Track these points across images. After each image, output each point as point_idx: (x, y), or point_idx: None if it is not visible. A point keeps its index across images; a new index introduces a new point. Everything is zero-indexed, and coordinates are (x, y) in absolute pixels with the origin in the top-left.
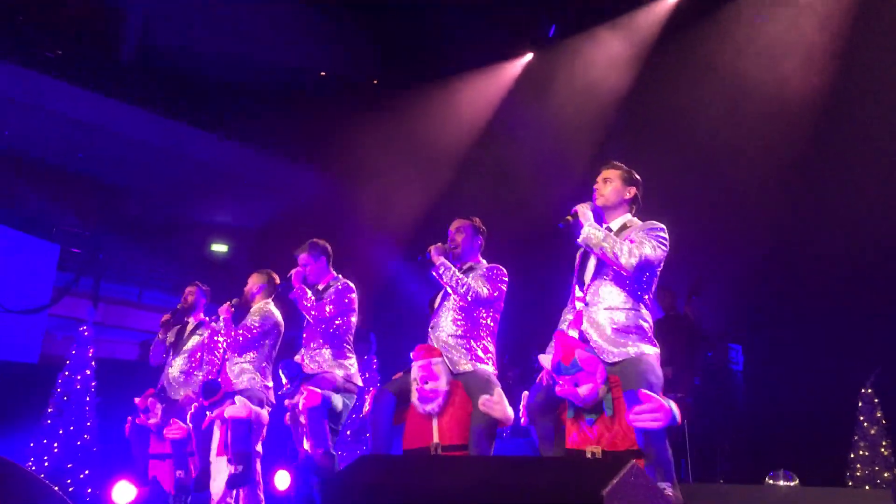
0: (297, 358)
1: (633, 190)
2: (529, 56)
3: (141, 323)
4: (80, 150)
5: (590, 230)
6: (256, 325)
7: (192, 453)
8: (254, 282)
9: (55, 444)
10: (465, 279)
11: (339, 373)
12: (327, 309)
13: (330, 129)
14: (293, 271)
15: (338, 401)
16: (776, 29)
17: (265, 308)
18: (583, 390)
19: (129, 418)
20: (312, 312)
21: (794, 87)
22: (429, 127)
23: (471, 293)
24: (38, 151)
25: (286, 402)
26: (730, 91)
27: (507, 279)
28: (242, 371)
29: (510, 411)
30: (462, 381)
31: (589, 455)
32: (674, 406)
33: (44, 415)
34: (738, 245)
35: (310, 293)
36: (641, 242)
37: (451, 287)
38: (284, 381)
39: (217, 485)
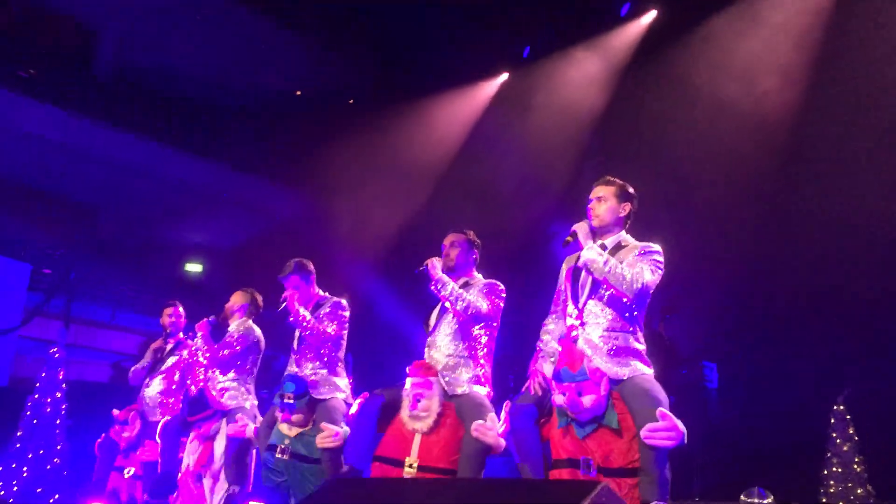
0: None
1: (628, 206)
2: (505, 76)
3: (113, 344)
4: (53, 168)
5: (591, 253)
6: (238, 341)
7: (139, 477)
8: (236, 300)
9: (24, 469)
10: (465, 294)
11: (341, 396)
12: (330, 329)
13: (306, 148)
14: (286, 296)
15: (346, 433)
16: (749, 48)
17: (247, 324)
18: (587, 400)
19: (103, 434)
20: (316, 331)
21: (767, 106)
22: (405, 146)
23: (471, 309)
24: (9, 170)
25: (279, 413)
26: (704, 110)
27: (505, 295)
28: (227, 389)
29: (502, 440)
30: (455, 404)
31: (583, 464)
32: (683, 426)
33: (13, 438)
34: (712, 265)
35: (308, 315)
36: (642, 269)
37: (451, 303)
38: (289, 396)
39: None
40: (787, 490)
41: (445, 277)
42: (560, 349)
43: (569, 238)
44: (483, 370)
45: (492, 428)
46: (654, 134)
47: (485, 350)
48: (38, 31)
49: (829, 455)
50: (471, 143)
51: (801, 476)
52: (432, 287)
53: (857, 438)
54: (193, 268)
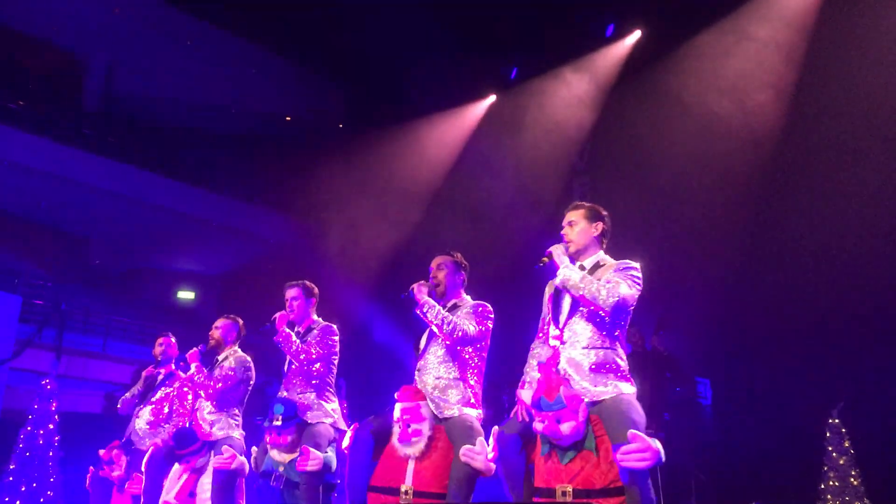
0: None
1: (600, 225)
2: (493, 98)
3: (105, 374)
4: (43, 199)
5: (566, 272)
6: (234, 373)
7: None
8: (226, 328)
9: (17, 503)
10: (451, 317)
11: (328, 421)
12: (314, 351)
13: (296, 173)
14: (278, 315)
15: (332, 460)
16: (734, 64)
17: (240, 355)
18: (565, 427)
19: (91, 469)
20: (301, 357)
21: (754, 121)
22: (395, 169)
23: (457, 331)
24: None
25: (268, 436)
26: (690, 126)
27: (493, 316)
28: (216, 420)
29: (492, 465)
30: (446, 427)
31: (559, 495)
32: (659, 445)
33: (5, 472)
34: (704, 280)
35: (294, 336)
36: (617, 282)
37: (437, 326)
38: (278, 419)
39: None
40: None
41: (431, 301)
42: (539, 377)
43: (544, 259)
44: (473, 391)
45: (480, 452)
46: (642, 151)
47: (475, 371)
48: (27, 62)
49: (825, 469)
50: (460, 164)
51: (798, 491)
52: (418, 311)
53: (853, 452)
54: (186, 295)
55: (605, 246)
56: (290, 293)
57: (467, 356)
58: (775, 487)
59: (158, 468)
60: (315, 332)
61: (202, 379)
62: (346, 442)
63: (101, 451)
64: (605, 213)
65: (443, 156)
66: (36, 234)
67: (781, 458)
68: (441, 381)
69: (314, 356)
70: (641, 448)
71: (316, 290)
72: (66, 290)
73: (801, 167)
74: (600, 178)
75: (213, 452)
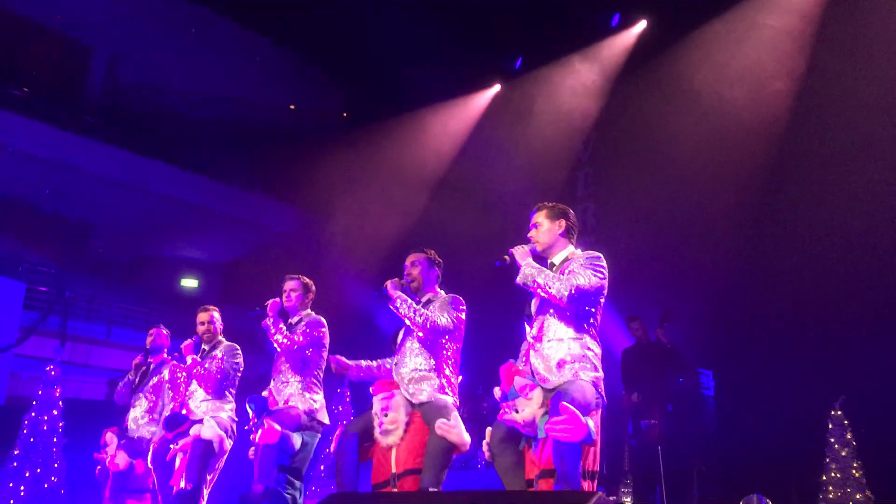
0: (265, 393)
1: (563, 222)
2: (497, 87)
3: (109, 361)
4: (47, 187)
5: (525, 269)
6: (230, 363)
7: (138, 490)
8: (216, 319)
9: (21, 488)
10: (422, 310)
11: (303, 407)
12: (297, 339)
13: (300, 162)
14: (270, 301)
15: (296, 440)
16: (741, 53)
17: (229, 346)
18: (521, 416)
19: (95, 454)
20: (284, 341)
21: (761, 113)
22: (398, 159)
23: (428, 322)
24: (2, 189)
25: (251, 437)
26: (696, 117)
27: (464, 308)
28: (206, 404)
29: (466, 437)
30: (421, 412)
31: (535, 485)
32: (592, 426)
33: (9, 457)
34: (708, 271)
35: (282, 325)
36: (576, 273)
37: (409, 319)
38: (251, 415)
39: None
40: (785, 496)
41: (403, 296)
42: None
43: (506, 257)
44: (448, 381)
45: (455, 426)
46: (647, 142)
47: (451, 362)
48: (31, 50)
49: (827, 460)
50: (464, 154)
51: (800, 482)
52: (391, 306)
53: (855, 444)
54: (189, 283)
55: (573, 240)
56: (290, 284)
57: (441, 347)
58: (777, 478)
59: (165, 461)
60: (304, 322)
61: (198, 370)
62: (332, 447)
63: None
64: (567, 210)
65: (447, 145)
66: (40, 221)
67: (783, 450)
68: (417, 373)
69: (296, 345)
70: (568, 419)
71: (314, 286)
72: (70, 277)
73: (808, 159)
74: (604, 170)
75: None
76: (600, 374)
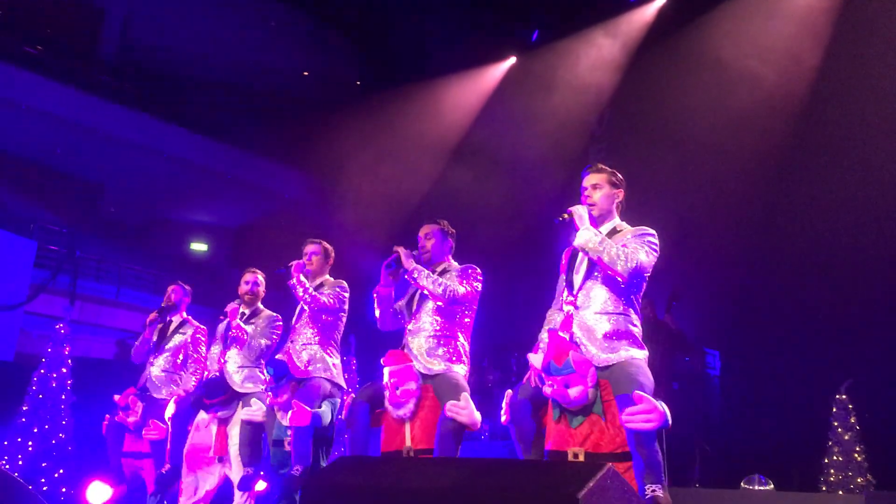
0: (281, 356)
1: (621, 193)
2: (513, 60)
3: (118, 321)
4: (59, 146)
5: (586, 234)
6: (271, 335)
7: (149, 455)
8: (259, 283)
9: (29, 443)
10: (442, 280)
11: (324, 375)
12: (323, 300)
13: (312, 129)
14: (294, 262)
15: (326, 414)
16: (760, 29)
17: (272, 316)
18: (573, 392)
19: (107, 416)
20: (310, 303)
21: (777, 91)
22: (412, 129)
23: (448, 292)
24: (15, 147)
25: (269, 400)
26: (710, 95)
27: (481, 277)
28: (245, 374)
29: (477, 416)
30: (433, 385)
31: (571, 457)
32: (666, 409)
33: (18, 413)
34: (717, 252)
35: (308, 284)
36: (636, 248)
37: (429, 290)
38: (268, 378)
39: (206, 486)
40: (787, 477)
41: (419, 266)
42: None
43: (565, 215)
44: (462, 349)
45: (465, 407)
46: (661, 118)
47: (464, 330)
48: (46, 8)
49: (829, 444)
50: (477, 126)
51: (802, 464)
52: (408, 277)
53: (858, 428)
54: (199, 247)
55: (620, 212)
56: (310, 248)
57: (457, 316)
58: (779, 460)
59: (183, 417)
60: (327, 286)
61: (238, 333)
62: (343, 414)
63: (117, 397)
64: (623, 179)
65: (460, 116)
66: (51, 180)
67: (787, 432)
68: (432, 341)
69: (323, 304)
70: (647, 409)
71: (333, 252)
72: (81, 237)
73: (825, 139)
74: (617, 145)
75: (241, 404)
76: (647, 352)
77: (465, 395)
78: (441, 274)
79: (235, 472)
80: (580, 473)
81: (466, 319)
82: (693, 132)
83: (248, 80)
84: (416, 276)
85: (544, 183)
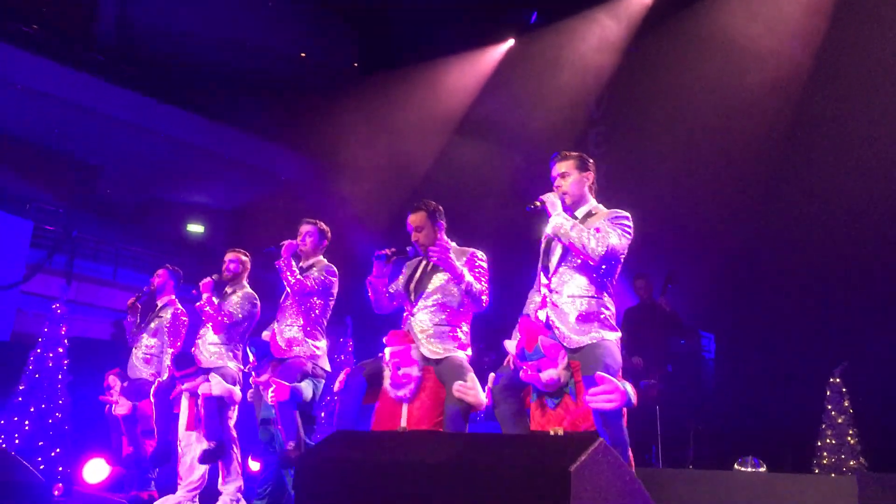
0: (266, 334)
1: (591, 175)
2: (511, 42)
3: (115, 302)
4: (56, 126)
5: (557, 220)
6: (242, 311)
7: (147, 432)
8: (239, 261)
9: (26, 422)
10: (468, 277)
11: (306, 354)
12: (309, 283)
13: (309, 111)
14: (286, 242)
15: (308, 390)
16: (764, 13)
17: (247, 291)
18: (545, 376)
19: (101, 397)
20: (295, 286)
21: (777, 75)
22: (408, 111)
23: (475, 290)
24: (12, 127)
25: (251, 379)
26: (707, 78)
27: (485, 261)
28: (215, 350)
29: (483, 396)
30: (435, 368)
31: (552, 433)
32: (629, 388)
33: (15, 392)
34: (712, 235)
35: (294, 266)
36: (608, 232)
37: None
38: (252, 358)
39: (188, 459)
40: (780, 460)
41: (458, 267)
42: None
43: (536, 203)
44: (465, 334)
45: (472, 387)
46: (659, 101)
47: (466, 318)
48: None
49: (823, 427)
50: (475, 109)
51: (795, 446)
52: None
53: (851, 411)
54: (195, 228)
55: (594, 193)
56: (305, 228)
57: (460, 301)
58: (772, 442)
59: (166, 398)
60: (315, 268)
61: (210, 310)
62: (336, 386)
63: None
64: (591, 160)
65: (458, 99)
66: (48, 161)
67: (780, 415)
68: (435, 328)
69: (305, 288)
70: (608, 390)
71: (329, 233)
72: (78, 217)
73: (822, 125)
74: (616, 128)
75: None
76: (619, 333)
77: (472, 376)
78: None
79: (192, 444)
80: (572, 447)
81: (468, 305)
82: (692, 114)
83: (245, 60)
84: (463, 287)
85: (543, 166)
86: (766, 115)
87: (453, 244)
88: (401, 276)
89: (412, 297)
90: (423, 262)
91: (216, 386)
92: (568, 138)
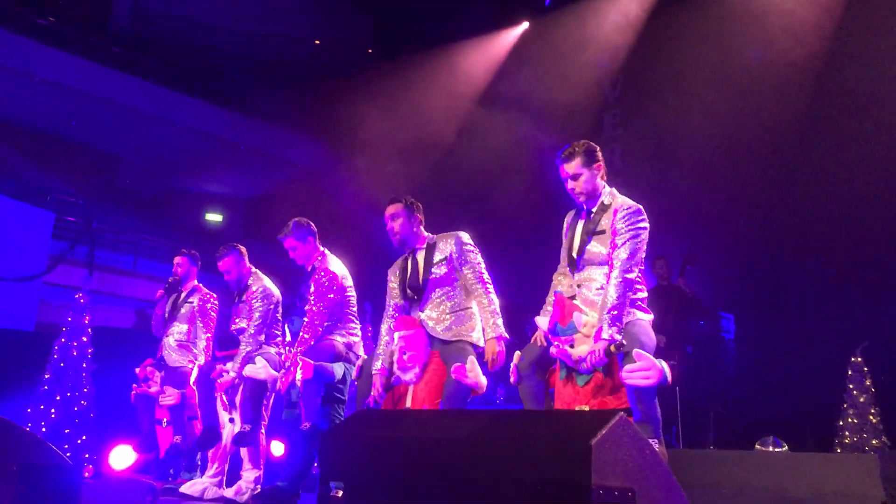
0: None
1: (601, 165)
2: (525, 25)
3: (136, 291)
4: (74, 117)
5: (608, 332)
6: (259, 304)
7: (192, 417)
8: (239, 260)
9: (52, 410)
10: (484, 292)
11: (340, 340)
12: (316, 309)
13: (325, 98)
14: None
15: (338, 369)
16: None
17: (264, 285)
18: (576, 352)
19: (134, 386)
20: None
21: (795, 58)
22: (424, 96)
23: (489, 293)
24: (31, 119)
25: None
26: (725, 59)
27: (473, 244)
28: (248, 336)
29: (482, 379)
30: (440, 350)
31: (577, 410)
32: (665, 366)
33: (40, 381)
34: (732, 215)
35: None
36: (624, 249)
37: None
38: (289, 337)
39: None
40: (801, 440)
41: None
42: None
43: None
44: (474, 319)
45: (471, 369)
46: (672, 86)
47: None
48: None
49: (845, 406)
50: (492, 91)
51: (817, 426)
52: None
53: (873, 390)
54: (214, 217)
55: (605, 178)
56: (287, 244)
57: (462, 286)
58: (793, 422)
59: (208, 383)
60: (314, 279)
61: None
62: (353, 375)
63: (137, 370)
64: (597, 147)
65: (473, 83)
66: (67, 152)
67: (801, 395)
68: (444, 317)
69: (316, 311)
70: (645, 367)
71: (308, 223)
72: (97, 208)
73: (842, 104)
74: (632, 110)
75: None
76: (651, 315)
77: (472, 359)
78: (428, 251)
79: (225, 424)
80: (593, 421)
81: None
82: (709, 94)
83: (261, 49)
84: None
85: (560, 147)
86: (786, 92)
87: (428, 234)
88: (392, 280)
89: (414, 296)
90: (411, 259)
91: (261, 369)
92: (585, 120)
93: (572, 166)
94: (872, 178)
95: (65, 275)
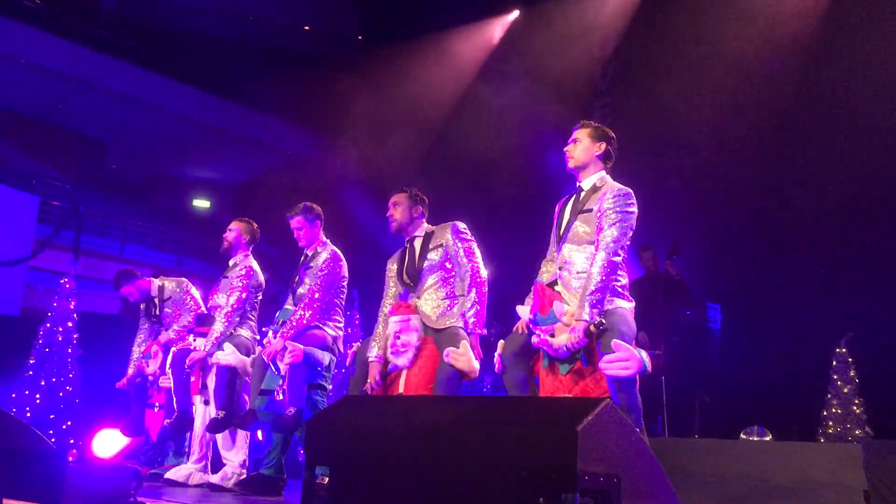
0: (289, 306)
1: (604, 145)
2: (516, 13)
3: None
4: (61, 102)
5: (587, 313)
6: (240, 282)
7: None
8: (241, 232)
9: (37, 396)
10: (472, 283)
11: (329, 331)
12: (316, 297)
13: (314, 84)
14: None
15: (324, 356)
16: None
17: (248, 262)
18: (557, 341)
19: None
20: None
21: (782, 46)
22: (413, 83)
23: (480, 279)
24: (17, 103)
25: (263, 352)
26: (715, 48)
27: (469, 233)
28: (225, 316)
29: (475, 364)
30: (434, 337)
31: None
32: (644, 356)
33: (25, 366)
34: (717, 205)
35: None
36: (605, 242)
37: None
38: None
39: (198, 427)
40: (786, 429)
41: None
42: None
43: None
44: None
45: (464, 353)
46: (662, 75)
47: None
48: None
49: (829, 396)
50: (482, 78)
51: (801, 416)
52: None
53: (857, 381)
54: (201, 203)
55: (607, 167)
56: (294, 223)
57: (457, 273)
58: (778, 412)
59: (183, 367)
60: (315, 265)
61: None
62: (348, 362)
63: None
64: (611, 135)
65: (463, 71)
66: (54, 136)
67: (786, 385)
68: (440, 304)
69: (316, 297)
70: (623, 357)
71: (319, 210)
72: (84, 193)
73: (830, 93)
74: (621, 99)
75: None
76: (633, 303)
77: (465, 343)
78: (425, 240)
79: (199, 408)
80: (579, 408)
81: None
82: (698, 84)
83: (250, 35)
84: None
85: (548, 139)
86: (774, 82)
87: (428, 226)
88: (391, 267)
89: (410, 283)
90: (408, 248)
91: (229, 356)
92: (574, 109)
93: (579, 133)
94: (859, 171)
95: (50, 259)
